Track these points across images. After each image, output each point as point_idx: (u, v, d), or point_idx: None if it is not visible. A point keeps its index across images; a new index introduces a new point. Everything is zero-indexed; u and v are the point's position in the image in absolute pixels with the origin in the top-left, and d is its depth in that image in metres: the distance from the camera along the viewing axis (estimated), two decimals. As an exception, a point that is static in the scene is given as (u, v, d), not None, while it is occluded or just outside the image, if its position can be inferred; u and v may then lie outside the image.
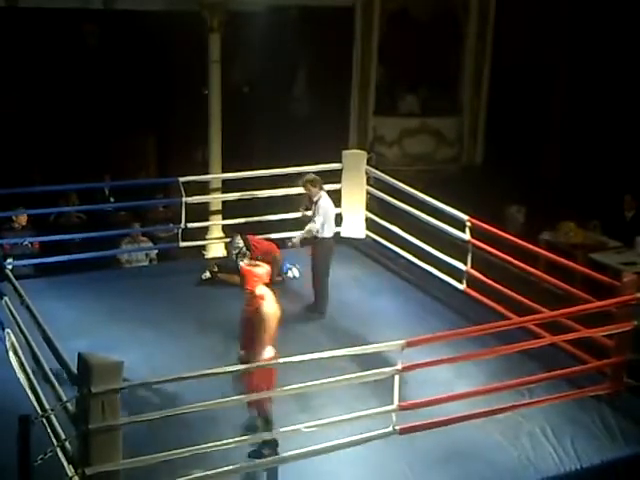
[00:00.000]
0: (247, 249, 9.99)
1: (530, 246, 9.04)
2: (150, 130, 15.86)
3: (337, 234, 10.12)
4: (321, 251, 9.26)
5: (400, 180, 10.66)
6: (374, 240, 11.07)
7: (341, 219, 10.95)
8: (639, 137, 14.62)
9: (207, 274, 10.15)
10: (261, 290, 6.55)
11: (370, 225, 11.13)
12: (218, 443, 5.88)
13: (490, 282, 9.14)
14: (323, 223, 9.14)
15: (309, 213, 9.45)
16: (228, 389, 6.08)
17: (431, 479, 6.52)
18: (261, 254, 10.01)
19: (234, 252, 10.04)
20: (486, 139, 16.86)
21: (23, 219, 10.94)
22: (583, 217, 12.87)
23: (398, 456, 6.61)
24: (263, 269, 6.64)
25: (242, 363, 6.43)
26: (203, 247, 12.31)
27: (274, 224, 10.98)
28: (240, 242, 10.04)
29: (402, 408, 6.35)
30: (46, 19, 13.46)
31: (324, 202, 9.20)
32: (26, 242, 10.74)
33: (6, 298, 7.68)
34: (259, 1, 13.74)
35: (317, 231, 9.15)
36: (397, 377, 6.30)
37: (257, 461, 6.01)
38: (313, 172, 10.47)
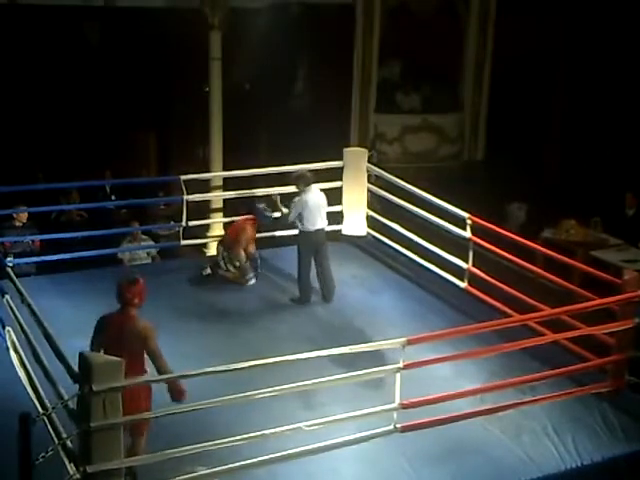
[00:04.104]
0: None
1: (531, 244, 9.04)
2: (151, 128, 15.88)
3: (338, 232, 10.17)
4: (300, 243, 9.48)
5: (401, 178, 10.65)
6: (375, 238, 11.07)
7: (342, 217, 10.96)
8: (640, 134, 14.64)
9: (208, 270, 10.15)
10: None
11: (371, 223, 11.13)
12: (220, 441, 5.88)
13: (491, 280, 9.13)
14: (300, 215, 9.31)
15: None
16: (229, 387, 6.07)
17: (431, 476, 6.51)
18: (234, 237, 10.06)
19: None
20: (487, 136, 16.89)
21: (24, 217, 10.93)
22: (584, 214, 12.86)
23: (398, 453, 6.61)
24: None
25: None
26: (204, 245, 12.31)
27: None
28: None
29: (403, 406, 6.34)
30: (47, 16, 13.48)
31: (303, 197, 9.33)
32: (27, 240, 10.74)
33: (7, 296, 7.67)
34: (260, -2, 13.77)
35: (288, 220, 9.47)
36: (398, 375, 6.30)
37: (258, 459, 6.01)
38: (314, 170, 10.49)
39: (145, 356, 6.15)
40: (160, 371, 6.11)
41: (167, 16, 13.70)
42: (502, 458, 6.73)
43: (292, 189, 10.00)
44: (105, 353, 6.05)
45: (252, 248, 10.09)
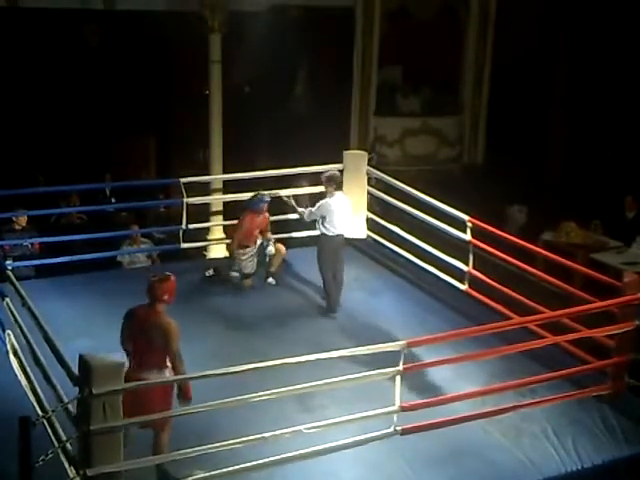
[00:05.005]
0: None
1: (531, 246, 9.04)
2: (151, 131, 15.88)
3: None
4: (320, 248, 9.39)
5: (401, 180, 10.66)
6: (375, 240, 11.07)
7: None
8: (640, 137, 14.65)
9: (210, 271, 10.14)
10: None
11: (371, 225, 11.13)
12: (220, 444, 5.89)
13: (491, 282, 9.13)
14: (324, 219, 9.23)
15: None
16: (230, 389, 6.08)
17: (431, 478, 6.51)
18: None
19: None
20: (487, 139, 16.89)
21: (23, 220, 10.92)
22: (584, 217, 12.87)
23: (398, 455, 6.61)
24: None
25: None
26: (204, 248, 12.32)
27: (274, 224, 10.96)
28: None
29: (404, 409, 6.34)
30: (47, 19, 13.48)
31: (330, 200, 9.29)
32: (26, 243, 10.73)
33: (7, 299, 7.67)
34: (260, 1, 13.76)
35: (307, 213, 9.44)
36: (398, 377, 6.29)
37: (258, 462, 6.01)
38: (314, 172, 10.50)
39: None
40: (175, 371, 6.23)
41: (167, 19, 13.72)
42: (502, 461, 6.73)
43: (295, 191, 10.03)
44: (132, 345, 6.28)
45: (248, 242, 9.96)
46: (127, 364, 6.07)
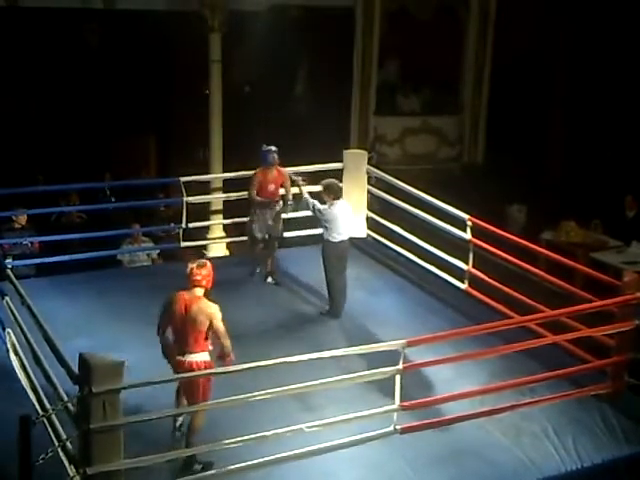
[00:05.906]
0: None
1: (531, 245, 9.04)
2: (151, 130, 15.87)
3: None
4: (324, 254, 9.31)
5: (401, 179, 10.66)
6: (375, 239, 11.07)
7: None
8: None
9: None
10: None
11: (371, 224, 11.13)
12: (219, 443, 5.89)
13: (491, 281, 9.14)
14: (327, 228, 9.16)
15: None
16: (230, 389, 6.08)
17: (431, 478, 6.51)
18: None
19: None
20: (487, 138, 16.89)
21: (23, 219, 10.93)
22: (584, 216, 12.87)
23: (398, 455, 6.61)
24: None
25: None
26: (204, 247, 12.32)
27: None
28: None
29: (404, 408, 6.35)
30: (47, 19, 13.48)
31: (333, 210, 9.17)
32: (26, 242, 10.74)
33: (7, 298, 7.67)
34: (260, 1, 13.76)
35: (312, 206, 9.29)
36: (398, 377, 6.29)
37: (258, 460, 6.01)
38: (314, 172, 10.49)
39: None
40: (224, 350, 6.47)
41: (167, 19, 13.71)
42: (502, 460, 6.73)
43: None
44: (172, 329, 6.50)
45: (264, 195, 9.92)
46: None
